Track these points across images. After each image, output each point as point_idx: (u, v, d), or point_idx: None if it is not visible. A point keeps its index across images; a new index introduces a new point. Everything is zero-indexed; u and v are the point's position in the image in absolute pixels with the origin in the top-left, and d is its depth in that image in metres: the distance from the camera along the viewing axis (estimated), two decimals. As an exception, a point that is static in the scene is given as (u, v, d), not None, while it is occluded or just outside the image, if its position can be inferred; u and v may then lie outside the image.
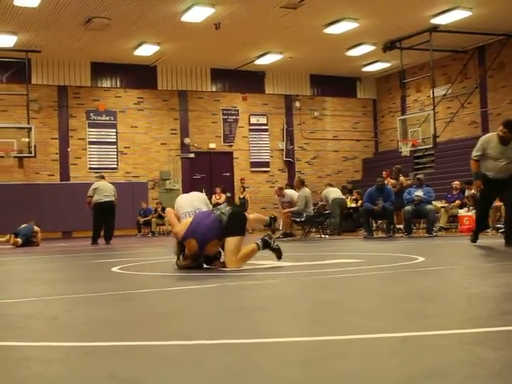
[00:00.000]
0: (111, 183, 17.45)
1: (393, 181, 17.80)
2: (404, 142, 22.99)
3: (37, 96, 23.17)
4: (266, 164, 26.57)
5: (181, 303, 4.69)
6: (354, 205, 19.75)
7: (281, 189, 18.08)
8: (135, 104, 24.79)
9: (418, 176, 16.07)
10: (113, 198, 16.67)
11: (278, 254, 7.21)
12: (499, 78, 23.14)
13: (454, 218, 17.05)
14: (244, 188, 24.58)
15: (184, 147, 25.21)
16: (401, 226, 15.93)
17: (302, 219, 16.42)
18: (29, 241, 16.56)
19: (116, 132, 24.43)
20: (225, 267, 6.93)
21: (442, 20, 20.12)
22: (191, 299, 4.92)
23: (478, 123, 23.72)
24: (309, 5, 18.38)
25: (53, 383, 2.42)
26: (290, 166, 26.83)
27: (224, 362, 2.67)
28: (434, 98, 22.43)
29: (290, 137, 26.90)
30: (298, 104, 27.21)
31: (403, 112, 25.85)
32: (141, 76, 24.52)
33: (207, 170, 25.64)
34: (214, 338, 3.16)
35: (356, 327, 3.38)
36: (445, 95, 24.40)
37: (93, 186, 16.87)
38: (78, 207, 20.76)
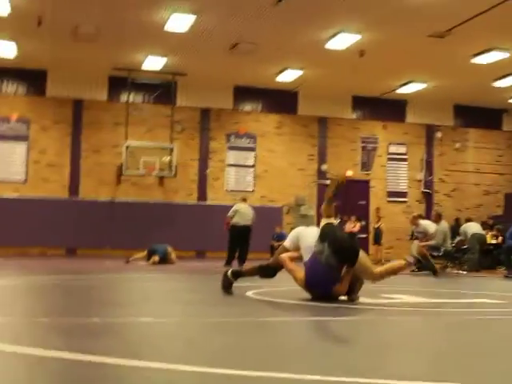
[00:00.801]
0: (249, 206, 17.61)
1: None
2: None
3: (180, 118, 23.86)
4: (404, 194, 26.08)
5: (314, 335, 4.59)
6: (494, 241, 19.00)
7: (415, 218, 17.53)
8: (275, 128, 25.03)
9: None
10: (250, 222, 16.82)
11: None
12: None
13: None
14: (379, 218, 24.20)
15: (321, 174, 25.17)
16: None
17: (440, 254, 15.92)
18: (164, 258, 16.95)
19: (255, 155, 24.74)
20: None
21: None
22: (326, 331, 4.80)
23: None
24: (457, 34, 17.93)
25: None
26: (427, 197, 26.20)
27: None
28: None
29: (429, 168, 26.31)
30: (439, 134, 26.57)
31: (551, 147, 24.72)
32: (282, 101, 24.74)
33: (343, 198, 25.43)
34: (348, 375, 3.04)
35: (497, 375, 3.17)
36: None
37: (234, 208, 17.07)
38: (213, 228, 21.14)
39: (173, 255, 17.37)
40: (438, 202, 26.15)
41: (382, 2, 15.98)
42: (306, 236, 7.13)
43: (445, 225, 16.38)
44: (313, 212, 24.85)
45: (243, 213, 16.82)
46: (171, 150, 22.71)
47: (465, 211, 25.35)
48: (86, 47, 19.86)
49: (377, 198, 25.78)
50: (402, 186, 26.14)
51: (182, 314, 5.65)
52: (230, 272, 7.44)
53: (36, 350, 3.48)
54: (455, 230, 19.22)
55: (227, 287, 7.46)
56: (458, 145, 26.80)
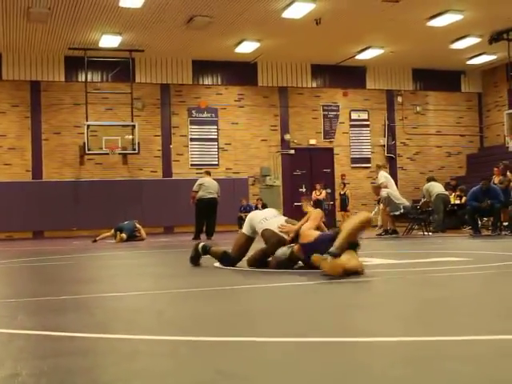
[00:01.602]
0: (213, 179, 17.63)
1: (500, 177, 17.22)
2: (511, 137, 22.21)
3: (140, 94, 23.70)
4: (367, 160, 26.25)
5: (283, 300, 4.65)
6: (458, 201, 19.24)
7: (379, 167, 17.45)
8: (236, 101, 24.98)
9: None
10: (216, 195, 16.87)
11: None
12: None
13: None
14: (344, 184, 24.36)
15: (284, 143, 25.23)
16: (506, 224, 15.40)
17: (401, 211, 15.89)
18: (132, 235, 16.93)
19: (217, 129, 24.70)
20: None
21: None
22: (293, 296, 4.87)
23: None
24: (411, -3, 18.03)
25: (162, 377, 2.42)
26: (391, 161, 26.41)
27: (330, 360, 2.60)
28: (543, 90, 21.59)
29: (391, 132, 26.49)
30: (399, 99, 26.74)
31: (510, 106, 24.96)
32: (241, 73, 24.68)
33: (307, 166, 25.57)
34: (319, 335, 3.10)
35: (466, 328, 3.25)
36: (555, 88, 23.45)
37: (198, 182, 17.10)
38: (179, 203, 21.16)
39: (142, 231, 17.35)
40: (401, 165, 26.41)
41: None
42: (256, 215, 7.41)
43: (384, 174, 16.62)
44: (278, 182, 24.94)
45: (208, 186, 16.86)
46: (133, 127, 22.58)
47: (428, 173, 25.58)
48: (39, 28, 19.58)
49: (341, 164, 25.94)
50: (366, 152, 26.31)
51: (151, 287, 5.68)
52: (200, 246, 7.50)
53: (5, 330, 3.49)
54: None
55: (196, 260, 7.53)
56: (418, 108, 27.01)
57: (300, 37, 21.23)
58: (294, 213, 18.74)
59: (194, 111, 24.46)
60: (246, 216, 24.09)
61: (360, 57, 24.29)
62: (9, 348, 3.04)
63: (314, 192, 23.46)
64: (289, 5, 18.26)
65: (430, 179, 18.22)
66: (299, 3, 18.09)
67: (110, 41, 21.17)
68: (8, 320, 3.91)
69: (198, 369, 2.51)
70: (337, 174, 25.64)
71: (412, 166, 26.77)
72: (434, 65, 25.87)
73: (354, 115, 26.23)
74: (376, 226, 18.53)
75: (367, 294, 4.92)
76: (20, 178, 22.39)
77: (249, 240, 7.36)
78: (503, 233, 14.83)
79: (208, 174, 17.74)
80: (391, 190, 16.15)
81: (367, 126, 26.36)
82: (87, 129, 22.02)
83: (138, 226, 17.38)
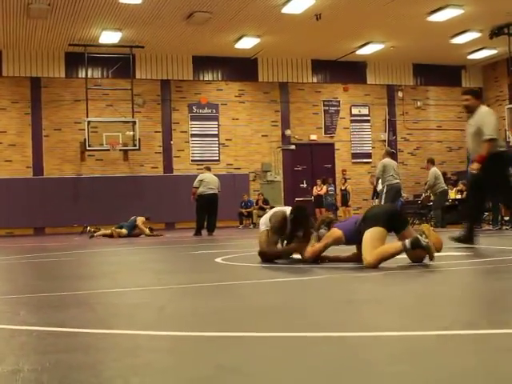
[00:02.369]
0: (213, 175, 17.64)
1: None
2: (512, 131, 22.22)
3: (141, 90, 23.70)
4: (368, 155, 26.26)
5: (287, 294, 4.66)
6: (459, 196, 19.24)
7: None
8: (236, 96, 24.98)
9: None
10: (216, 191, 16.88)
11: (430, 254, 5.87)
12: None
13: None
14: (345, 179, 24.37)
15: (285, 139, 25.23)
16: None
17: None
18: (130, 234, 17.00)
19: (218, 124, 24.70)
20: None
21: (552, 4, 19.31)
22: (297, 291, 4.88)
23: None
24: (412, -8, 18.01)
25: (162, 372, 2.43)
26: (392, 156, 26.33)
27: (330, 355, 2.61)
28: (543, 85, 21.59)
29: (392, 127, 26.49)
30: (400, 94, 26.74)
31: (511, 100, 24.97)
32: (242, 69, 24.68)
33: (308, 162, 25.57)
34: (320, 330, 3.11)
35: (466, 323, 3.26)
36: (555, 82, 23.43)
37: (199, 178, 17.10)
38: (180, 199, 21.18)
39: (141, 225, 17.35)
40: (402, 160, 26.40)
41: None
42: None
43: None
44: (279, 178, 24.95)
45: (208, 182, 16.86)
46: (133, 123, 22.59)
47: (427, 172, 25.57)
48: (39, 24, 19.59)
49: (342, 160, 25.94)
50: (367, 147, 26.31)
51: (152, 283, 5.69)
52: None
53: (6, 326, 3.50)
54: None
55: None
56: (419, 103, 27.00)
57: (300, 32, 21.21)
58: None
59: (194, 107, 24.47)
60: (246, 212, 24.10)
61: (360, 52, 24.28)
62: (11, 344, 3.05)
63: (314, 187, 23.49)
64: (289, 0, 18.24)
65: (432, 162, 17.69)
66: (299, -2, 18.07)
67: (110, 37, 21.18)
68: (10, 316, 3.92)
69: (198, 364, 2.52)
70: (338, 169, 25.64)
71: (413, 160, 26.77)
72: (434, 60, 25.85)
73: (355, 110, 26.22)
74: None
75: (367, 288, 4.93)
76: (21, 175, 22.41)
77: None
78: (504, 227, 14.83)
79: (208, 169, 17.75)
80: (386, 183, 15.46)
81: (368, 121, 26.35)
82: (88, 125, 22.05)
83: (138, 221, 17.41)
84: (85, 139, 22.03)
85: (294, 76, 25.42)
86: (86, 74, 22.76)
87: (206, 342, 2.95)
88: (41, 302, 4.48)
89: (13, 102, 22.64)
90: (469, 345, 2.74)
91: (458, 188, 19.81)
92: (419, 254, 5.99)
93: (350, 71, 25.76)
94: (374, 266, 5.88)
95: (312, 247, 6.58)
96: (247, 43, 22.48)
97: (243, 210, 23.24)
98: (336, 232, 6.50)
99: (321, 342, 2.86)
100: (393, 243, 6.05)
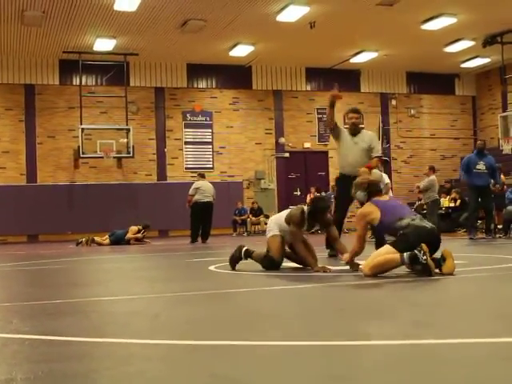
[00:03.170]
0: (209, 182, 17.61)
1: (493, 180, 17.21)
2: (505, 140, 22.28)
3: (135, 98, 23.69)
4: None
5: (281, 303, 4.66)
6: (452, 204, 19.28)
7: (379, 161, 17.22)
8: (230, 104, 24.99)
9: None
10: (211, 199, 16.87)
11: (428, 271, 5.70)
12: None
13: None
14: (339, 187, 24.30)
15: (279, 147, 25.24)
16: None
17: None
18: (119, 242, 17.03)
19: (212, 132, 24.70)
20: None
21: (545, 13, 19.40)
22: (292, 299, 4.88)
23: None
24: (405, 1, 18.05)
25: (156, 381, 2.42)
26: (386, 165, 26.44)
27: (325, 364, 2.61)
28: (536, 93, 21.67)
29: (385, 135, 26.52)
30: (394, 102, 26.79)
31: (504, 109, 25.04)
32: (236, 76, 24.69)
33: (302, 170, 25.59)
34: (315, 339, 3.11)
35: (463, 331, 3.27)
36: (548, 91, 23.52)
37: (194, 186, 17.07)
38: (174, 206, 21.16)
39: (130, 235, 17.36)
40: (396, 169, 26.45)
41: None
42: (281, 216, 7.41)
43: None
44: (273, 185, 24.96)
45: (204, 190, 16.85)
46: (127, 130, 22.58)
47: (423, 177, 25.61)
48: (33, 31, 19.57)
49: (336, 168, 25.86)
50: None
51: (146, 291, 5.68)
52: (244, 249, 7.33)
53: None
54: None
55: (235, 261, 7.33)
56: (412, 111, 27.06)
57: (294, 40, 21.25)
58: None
59: (188, 115, 24.46)
60: (240, 220, 24.05)
61: (354, 60, 24.33)
62: (3, 352, 3.04)
63: (308, 195, 23.49)
64: (283, 8, 18.28)
65: (433, 170, 17.83)
66: (293, 7, 18.10)
67: (104, 44, 21.16)
68: (3, 324, 3.91)
69: (192, 373, 2.51)
70: (331, 177, 25.64)
71: (406, 168, 26.81)
72: (428, 68, 25.92)
73: (349, 118, 26.19)
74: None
75: (360, 297, 4.93)
76: (14, 182, 22.36)
77: (283, 240, 7.30)
78: (497, 236, 14.86)
79: (202, 176, 17.70)
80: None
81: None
82: (82, 132, 22.02)
83: (131, 229, 17.46)
84: (79, 146, 22.00)
85: (288, 84, 25.46)
86: (80, 82, 22.73)
87: (200, 350, 2.95)
88: (34, 310, 4.46)
89: (7, 109, 22.61)
90: (467, 353, 2.73)
91: (452, 196, 19.85)
92: (451, 265, 5.90)
93: (344, 79, 25.74)
94: (370, 275, 5.94)
95: (367, 264, 6.07)
96: (241, 51, 22.50)
97: (237, 218, 23.22)
98: (375, 213, 6.31)
99: (316, 351, 2.86)
100: (391, 256, 5.95)
